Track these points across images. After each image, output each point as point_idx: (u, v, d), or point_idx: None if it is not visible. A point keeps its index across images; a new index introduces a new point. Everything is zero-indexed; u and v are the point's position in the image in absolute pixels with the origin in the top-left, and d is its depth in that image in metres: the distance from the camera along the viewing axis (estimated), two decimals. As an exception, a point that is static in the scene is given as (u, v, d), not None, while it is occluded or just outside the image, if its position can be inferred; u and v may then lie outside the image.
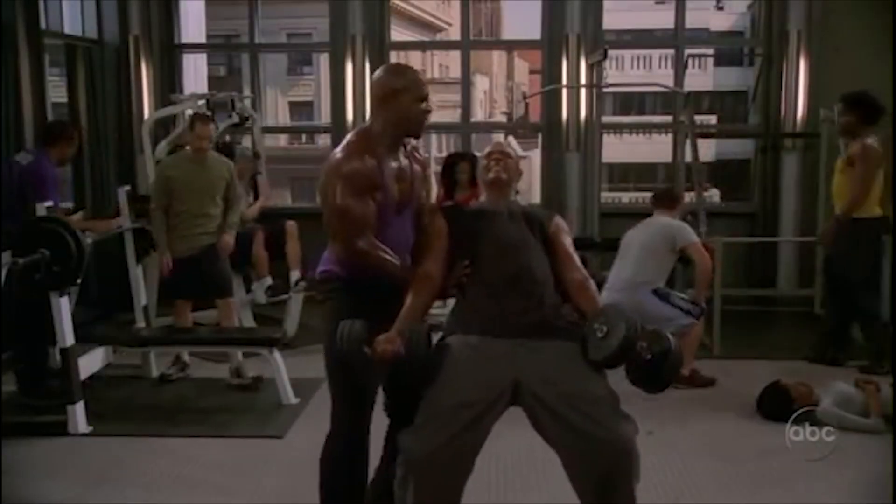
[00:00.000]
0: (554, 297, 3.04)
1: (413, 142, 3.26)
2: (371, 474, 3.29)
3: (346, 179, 2.96)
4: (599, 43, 7.44)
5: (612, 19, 9.99)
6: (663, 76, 11.32)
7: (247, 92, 8.76)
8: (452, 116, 15.74)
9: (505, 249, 3.05)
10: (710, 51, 22.82)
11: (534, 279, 3.02)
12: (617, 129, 13.28)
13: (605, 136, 7.86)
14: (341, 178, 2.97)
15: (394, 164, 3.09)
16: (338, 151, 3.05)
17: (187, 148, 5.61)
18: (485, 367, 2.86)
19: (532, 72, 25.54)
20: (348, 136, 3.12)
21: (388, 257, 3.04)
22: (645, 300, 5.23)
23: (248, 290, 6.46)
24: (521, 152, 5.82)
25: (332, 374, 3.17)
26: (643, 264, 5.38)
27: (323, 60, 12.70)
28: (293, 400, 5.12)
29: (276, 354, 5.14)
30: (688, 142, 7.17)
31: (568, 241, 3.18)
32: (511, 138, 7.50)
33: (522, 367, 2.87)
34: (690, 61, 9.13)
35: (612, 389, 2.87)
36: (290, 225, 6.50)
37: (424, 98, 3.08)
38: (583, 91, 7.39)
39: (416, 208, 3.24)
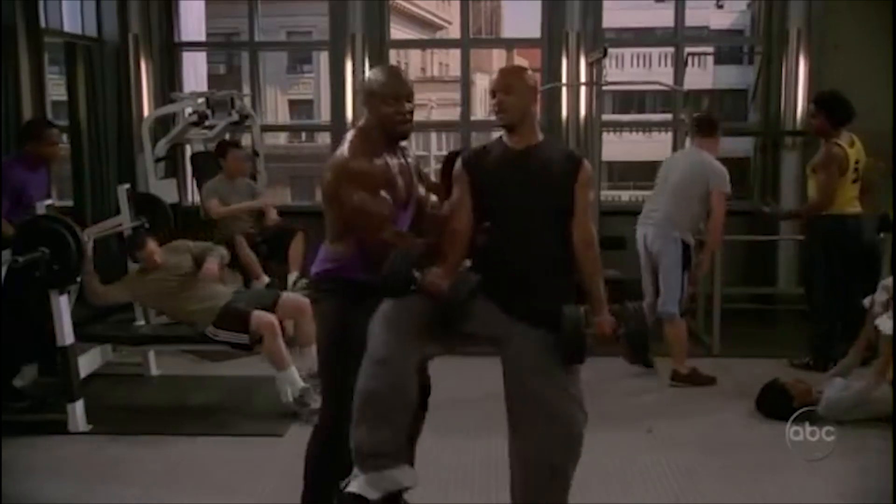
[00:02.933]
0: (564, 275, 3.04)
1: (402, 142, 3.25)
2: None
3: (359, 178, 2.97)
4: (599, 41, 7.43)
5: (612, 17, 10.00)
6: (663, 74, 11.35)
7: (246, 90, 8.76)
8: (452, 115, 15.67)
9: (521, 221, 2.98)
10: (710, 49, 22.80)
11: (546, 264, 2.99)
12: (617, 127, 13.30)
13: (604, 135, 7.84)
14: (353, 177, 2.97)
15: (395, 161, 3.11)
16: (343, 151, 3.05)
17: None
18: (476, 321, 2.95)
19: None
20: (348, 136, 3.12)
21: (414, 240, 3.06)
22: (667, 254, 5.39)
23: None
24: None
25: (328, 368, 3.19)
26: (677, 205, 5.45)
27: (323, 59, 12.68)
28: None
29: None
30: (687, 140, 7.17)
31: (589, 196, 3.07)
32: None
33: (510, 347, 2.95)
34: (690, 59, 9.14)
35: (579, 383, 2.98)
36: (300, 234, 6.54)
37: (395, 101, 3.04)
38: (582, 89, 7.38)
39: (416, 203, 3.25)
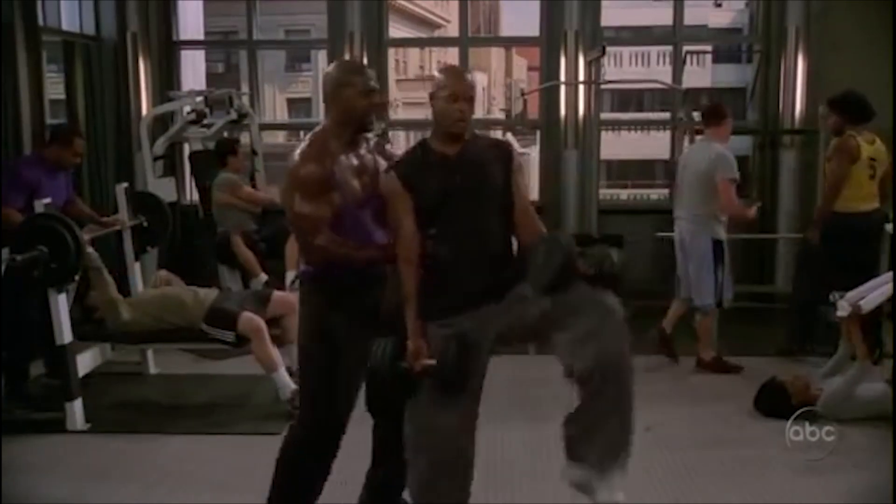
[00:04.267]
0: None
1: (370, 136, 3.24)
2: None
3: (300, 185, 3.01)
4: (598, 40, 7.44)
5: (611, 16, 9.97)
6: (661, 73, 11.32)
7: (245, 88, 8.76)
8: (451, 113, 15.61)
9: (468, 215, 2.96)
10: (709, 47, 22.82)
11: (500, 243, 3.01)
12: (615, 125, 13.25)
13: (603, 133, 7.84)
14: (296, 184, 3.02)
15: (352, 161, 3.10)
16: (296, 155, 3.07)
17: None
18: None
19: (530, 69, 25.54)
20: (305, 140, 3.14)
21: (347, 247, 3.05)
22: (696, 250, 5.58)
23: (246, 287, 6.47)
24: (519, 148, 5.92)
25: (307, 369, 3.22)
26: (696, 201, 5.59)
27: (321, 57, 12.64)
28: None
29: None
30: (686, 138, 7.18)
31: (521, 181, 3.07)
32: (509, 134, 7.50)
33: (502, 323, 2.94)
34: (689, 58, 9.13)
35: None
36: None
37: (368, 92, 3.07)
38: (581, 88, 7.38)
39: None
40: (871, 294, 4.71)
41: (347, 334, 3.08)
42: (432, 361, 2.87)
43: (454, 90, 2.93)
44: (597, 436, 2.84)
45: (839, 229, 5.62)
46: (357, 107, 3.07)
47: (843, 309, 4.69)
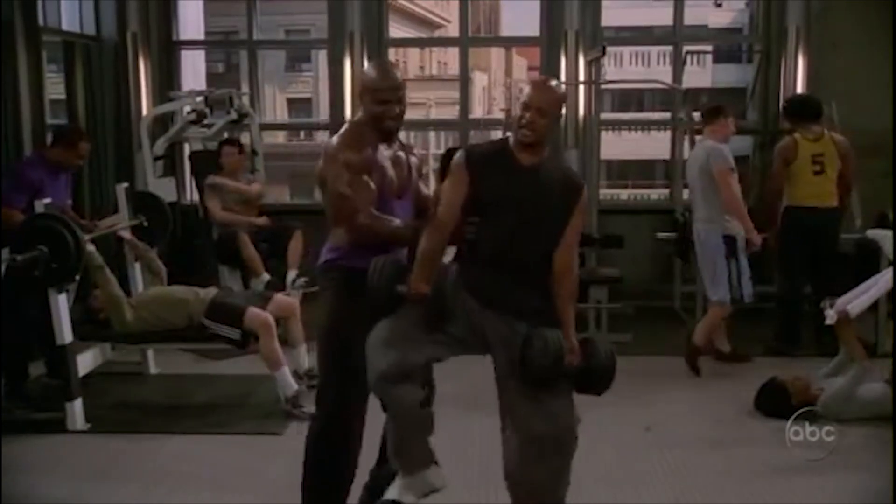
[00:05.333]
0: (546, 290, 3.03)
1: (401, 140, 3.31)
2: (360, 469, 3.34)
3: (344, 162, 3.06)
4: (598, 40, 7.43)
5: (611, 16, 9.97)
6: (662, 73, 11.32)
7: (245, 88, 8.76)
8: (451, 113, 15.65)
9: (521, 226, 2.95)
10: (709, 47, 22.71)
11: (539, 270, 3.00)
12: (615, 125, 13.27)
13: (603, 133, 7.83)
14: (339, 161, 3.07)
15: (389, 151, 3.18)
16: (335, 138, 3.16)
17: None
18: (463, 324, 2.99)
19: (530, 68, 25.56)
20: (344, 126, 3.24)
21: (392, 224, 3.11)
22: (706, 247, 5.63)
23: (246, 287, 6.47)
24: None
25: (325, 357, 3.23)
26: (702, 199, 5.67)
27: (321, 57, 12.65)
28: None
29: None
30: (686, 138, 7.18)
31: (579, 222, 3.06)
32: (510, 133, 7.52)
33: (496, 343, 2.99)
34: (689, 58, 9.12)
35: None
36: (298, 232, 6.56)
37: (384, 101, 3.11)
38: (581, 88, 7.38)
39: (416, 197, 3.29)
40: (859, 299, 4.74)
41: (365, 326, 3.06)
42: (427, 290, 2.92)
43: (527, 99, 2.96)
44: None
45: (787, 223, 5.94)
46: (374, 112, 3.14)
47: (830, 318, 4.71)
